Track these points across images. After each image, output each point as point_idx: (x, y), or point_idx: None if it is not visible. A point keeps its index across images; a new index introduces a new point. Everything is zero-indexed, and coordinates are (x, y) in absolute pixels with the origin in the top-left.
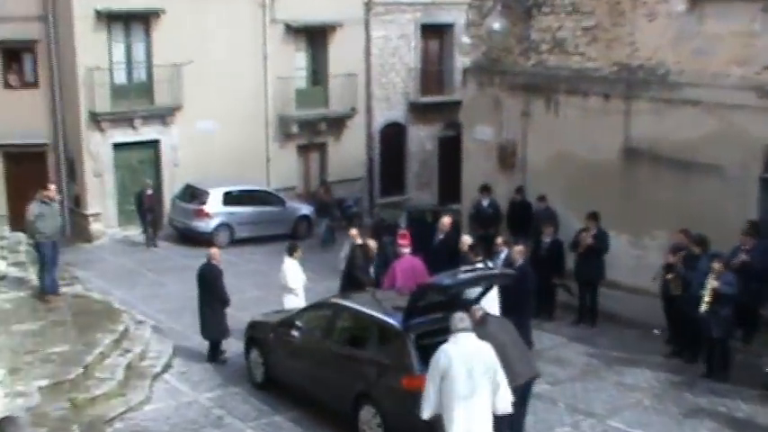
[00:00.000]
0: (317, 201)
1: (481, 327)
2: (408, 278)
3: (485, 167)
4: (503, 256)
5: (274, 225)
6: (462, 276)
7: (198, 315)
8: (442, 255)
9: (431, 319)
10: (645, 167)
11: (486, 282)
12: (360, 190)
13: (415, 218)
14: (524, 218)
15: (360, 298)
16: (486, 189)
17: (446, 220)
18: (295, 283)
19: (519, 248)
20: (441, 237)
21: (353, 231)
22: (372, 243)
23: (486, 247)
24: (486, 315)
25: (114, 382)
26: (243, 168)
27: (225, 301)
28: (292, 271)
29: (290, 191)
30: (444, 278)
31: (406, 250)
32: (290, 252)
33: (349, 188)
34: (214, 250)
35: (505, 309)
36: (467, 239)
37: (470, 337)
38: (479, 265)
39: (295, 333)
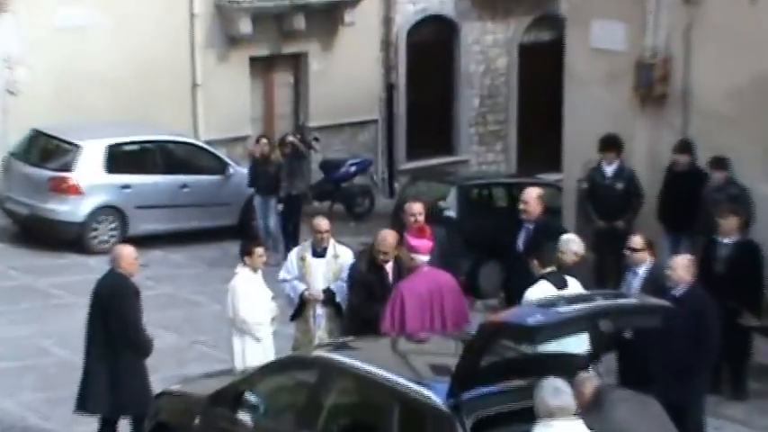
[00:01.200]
0: (254, 162)
1: (596, 410)
2: (427, 312)
3: (609, 104)
4: (641, 272)
5: (207, 210)
6: (566, 310)
7: (82, 374)
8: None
9: (502, 390)
10: None
11: (612, 322)
12: (369, 146)
13: (474, 199)
14: (693, 200)
15: (368, 349)
16: (611, 145)
17: (532, 195)
18: (253, 315)
19: (682, 260)
20: (530, 228)
21: (322, 223)
22: (417, 257)
23: (610, 254)
24: (606, 389)
25: None
26: (146, 103)
27: (139, 346)
28: (249, 290)
29: (236, 145)
30: (531, 312)
31: (423, 258)
32: (244, 253)
33: (349, 142)
34: (125, 251)
35: (650, 377)
36: (572, 240)
37: (575, 428)
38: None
39: (244, 417)
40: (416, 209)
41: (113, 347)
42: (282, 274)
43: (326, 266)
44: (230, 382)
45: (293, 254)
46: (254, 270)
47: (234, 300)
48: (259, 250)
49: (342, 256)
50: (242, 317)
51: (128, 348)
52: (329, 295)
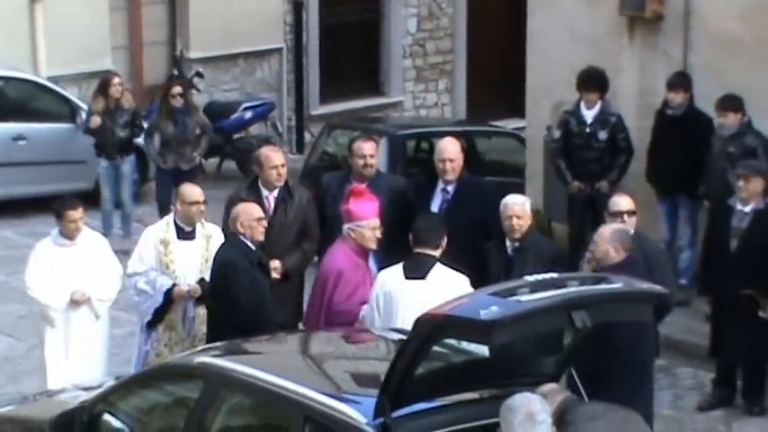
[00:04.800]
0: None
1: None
2: (366, 294)
3: (587, 27)
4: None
5: (51, 170)
6: (530, 299)
7: None
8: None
9: (445, 405)
10: None
11: (590, 314)
12: (271, 84)
13: (411, 154)
14: (692, 153)
15: (268, 352)
16: (594, 82)
17: (456, 148)
18: (42, 291)
19: (608, 231)
20: (448, 191)
21: (196, 192)
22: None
23: (590, 226)
24: (576, 404)
25: None
26: None
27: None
28: (47, 258)
29: (91, 82)
30: (483, 303)
31: (370, 224)
32: (58, 215)
33: (243, 79)
34: (242, 206)
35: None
36: (515, 202)
37: None
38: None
39: None
40: (369, 149)
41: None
42: (133, 266)
43: (198, 251)
44: (82, 402)
45: (148, 236)
46: (69, 237)
47: (28, 282)
48: (72, 214)
49: (214, 235)
50: (28, 293)
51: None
52: (207, 289)
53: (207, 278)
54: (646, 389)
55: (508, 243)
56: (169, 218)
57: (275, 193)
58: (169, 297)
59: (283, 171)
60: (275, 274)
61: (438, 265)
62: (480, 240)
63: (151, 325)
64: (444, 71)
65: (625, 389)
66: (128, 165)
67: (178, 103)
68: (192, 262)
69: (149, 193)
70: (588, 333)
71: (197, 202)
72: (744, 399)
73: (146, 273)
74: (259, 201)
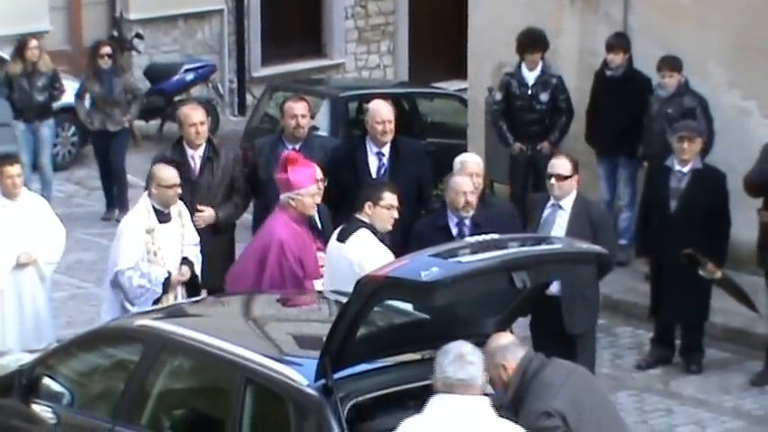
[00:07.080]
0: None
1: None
2: (309, 261)
3: None
4: (567, 206)
5: None
6: (470, 260)
7: None
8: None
9: (387, 366)
10: None
11: (530, 275)
12: (212, 46)
13: (353, 116)
14: (631, 114)
15: (209, 315)
16: (535, 44)
17: (388, 109)
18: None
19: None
20: (383, 154)
21: (172, 174)
22: None
23: (531, 186)
24: (542, 358)
25: None
26: None
27: None
28: None
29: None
30: (424, 264)
31: (307, 190)
32: None
33: (184, 40)
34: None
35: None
36: (473, 160)
37: (478, 409)
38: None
39: (43, 411)
40: (300, 108)
41: None
42: (123, 262)
43: (177, 231)
44: (21, 365)
45: (132, 227)
46: (9, 196)
47: None
48: (9, 169)
49: (182, 209)
50: None
51: None
52: (192, 268)
53: (187, 256)
54: None
55: None
56: (147, 204)
57: (200, 152)
58: (166, 286)
59: (202, 129)
60: (202, 223)
61: (361, 231)
62: (416, 203)
63: None
64: (386, 32)
65: None
66: (46, 128)
67: (106, 63)
68: (174, 244)
69: (89, 155)
70: (528, 293)
71: (174, 185)
72: (682, 357)
73: (137, 267)
74: (184, 161)
